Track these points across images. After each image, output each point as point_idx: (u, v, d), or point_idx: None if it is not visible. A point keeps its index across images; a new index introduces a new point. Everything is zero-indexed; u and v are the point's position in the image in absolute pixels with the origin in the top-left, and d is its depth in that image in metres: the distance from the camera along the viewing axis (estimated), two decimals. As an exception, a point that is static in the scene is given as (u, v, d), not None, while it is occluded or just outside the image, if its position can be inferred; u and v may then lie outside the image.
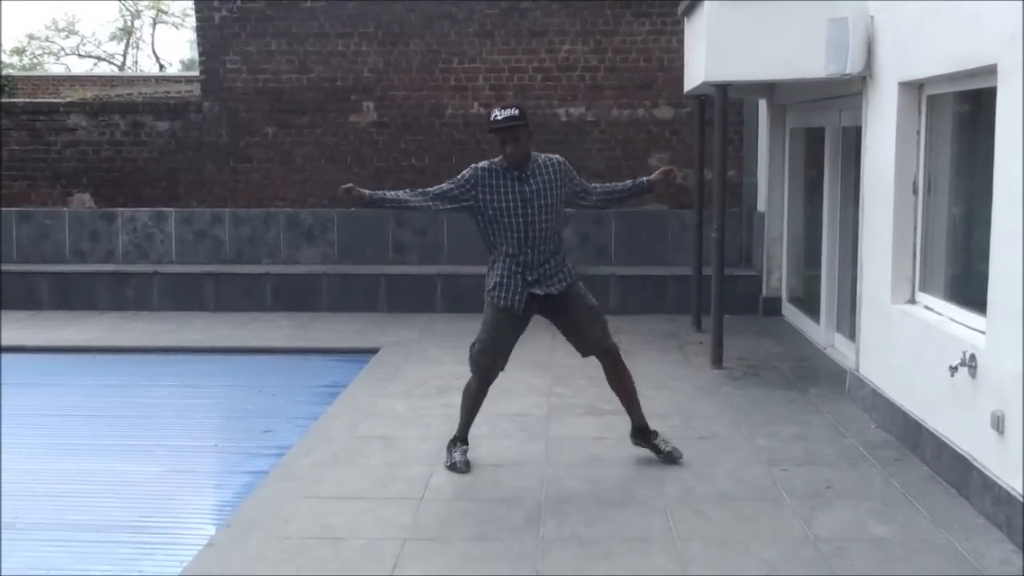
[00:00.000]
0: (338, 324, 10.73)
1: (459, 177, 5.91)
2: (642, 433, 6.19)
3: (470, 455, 6.08)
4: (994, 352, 5.13)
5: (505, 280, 5.83)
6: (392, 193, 6.09)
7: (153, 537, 5.55)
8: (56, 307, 11.58)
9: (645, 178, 6.23)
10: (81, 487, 6.32)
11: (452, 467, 5.96)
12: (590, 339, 6.02)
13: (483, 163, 5.91)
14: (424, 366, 8.70)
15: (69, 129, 12.84)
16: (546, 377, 8.08)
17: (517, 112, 5.79)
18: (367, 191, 5.97)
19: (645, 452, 6.19)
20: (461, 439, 6.14)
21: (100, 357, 9.71)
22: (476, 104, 12.33)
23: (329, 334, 10.29)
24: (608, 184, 6.27)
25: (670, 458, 6.04)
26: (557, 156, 6.01)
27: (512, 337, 5.98)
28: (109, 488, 6.30)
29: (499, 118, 5.78)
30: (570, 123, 12.28)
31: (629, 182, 6.25)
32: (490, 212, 5.81)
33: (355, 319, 10.95)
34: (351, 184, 5.97)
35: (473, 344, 6.00)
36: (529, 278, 5.82)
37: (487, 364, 5.98)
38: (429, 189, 5.98)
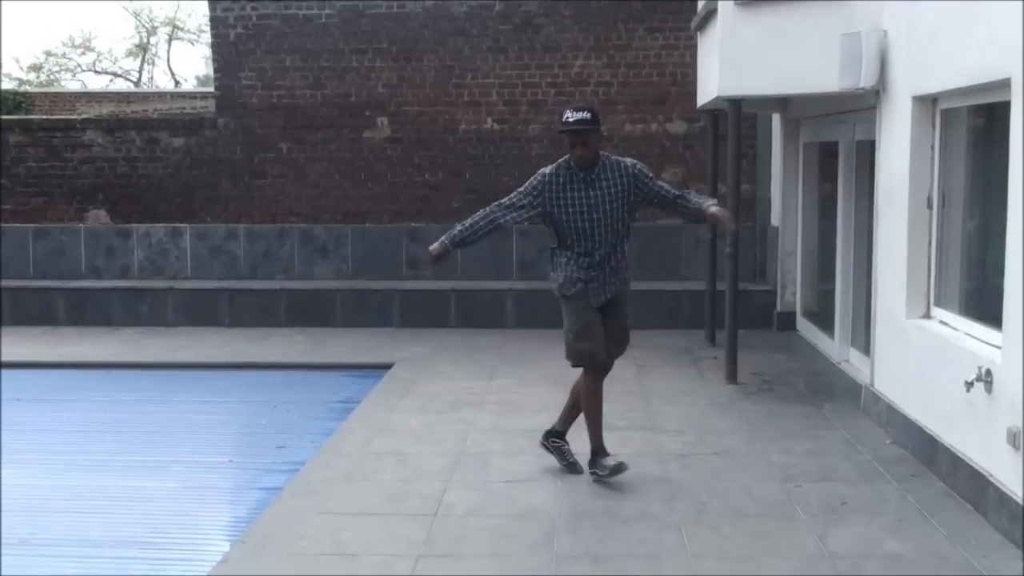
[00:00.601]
0: (352, 339, 10.74)
1: (527, 186, 5.93)
2: (554, 434, 6.28)
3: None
4: (1010, 367, 5.10)
5: (574, 276, 5.89)
6: (466, 224, 5.97)
7: (168, 553, 5.56)
8: (72, 323, 11.62)
9: (709, 205, 6.01)
10: (96, 503, 6.34)
11: (571, 468, 6.06)
12: (619, 350, 6.17)
13: (548, 168, 5.96)
14: (438, 382, 8.70)
15: (85, 145, 12.92)
16: (559, 393, 8.03)
17: (589, 115, 5.84)
18: (445, 240, 5.92)
19: (659, 469, 6.18)
20: (596, 452, 6.02)
21: (115, 373, 9.74)
22: (490, 119, 12.37)
23: (343, 349, 10.30)
24: (683, 193, 6.19)
25: (572, 468, 6.12)
26: (630, 160, 6.04)
27: (598, 320, 5.93)
28: (124, 504, 6.31)
29: (571, 120, 5.81)
30: (583, 138, 12.26)
31: (696, 200, 6.09)
32: (557, 213, 5.85)
33: (369, 334, 10.96)
34: (433, 250, 5.92)
35: (567, 335, 5.98)
36: (593, 272, 5.88)
37: (589, 348, 5.92)
38: (501, 202, 5.95)
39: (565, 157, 5.96)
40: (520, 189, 5.96)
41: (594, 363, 5.96)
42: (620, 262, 6.00)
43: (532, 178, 5.96)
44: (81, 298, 11.84)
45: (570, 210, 5.84)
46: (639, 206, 6.05)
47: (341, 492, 5.89)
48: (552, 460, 6.31)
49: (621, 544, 5.07)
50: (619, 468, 5.91)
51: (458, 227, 6.00)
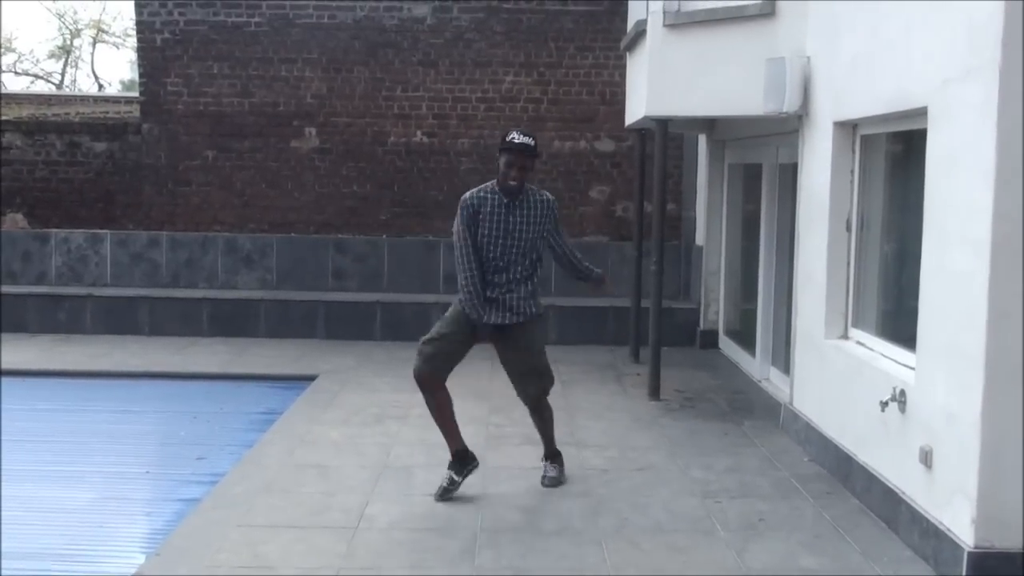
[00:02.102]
0: (275, 350, 10.63)
1: (461, 220, 5.87)
2: (550, 456, 6.38)
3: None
4: (923, 388, 5.23)
5: (478, 306, 5.91)
6: (474, 287, 5.89)
7: (81, 566, 5.44)
8: (-15, 329, 11.34)
9: (598, 272, 6.44)
10: (8, 514, 6.16)
11: (441, 494, 5.95)
12: (522, 392, 6.19)
13: (468, 193, 5.95)
14: (361, 394, 8.65)
15: (3, 148, 12.64)
16: (483, 407, 8.08)
17: (533, 142, 5.89)
18: (475, 305, 5.89)
19: (581, 483, 6.23)
20: (463, 453, 6.07)
21: (30, 381, 9.52)
22: (419, 132, 12.37)
23: (266, 360, 10.19)
24: (574, 253, 6.30)
25: (542, 480, 6.23)
26: (549, 195, 6.10)
27: (459, 339, 5.97)
28: (37, 515, 6.16)
29: (516, 140, 5.83)
30: (512, 153, 12.31)
31: (587, 265, 6.36)
32: (479, 233, 5.86)
33: (293, 345, 10.87)
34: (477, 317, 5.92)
35: (427, 335, 6.04)
36: (491, 294, 5.88)
37: (429, 352, 5.94)
38: (463, 253, 5.88)
39: (488, 183, 5.97)
40: (457, 228, 5.91)
41: (429, 366, 5.93)
42: (525, 294, 5.95)
43: (459, 210, 5.92)
44: (-4, 304, 11.55)
45: (486, 232, 5.85)
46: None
47: (261, 504, 5.83)
48: (483, 475, 6.32)
49: (542, 559, 5.09)
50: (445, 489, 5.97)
51: (469, 288, 5.88)
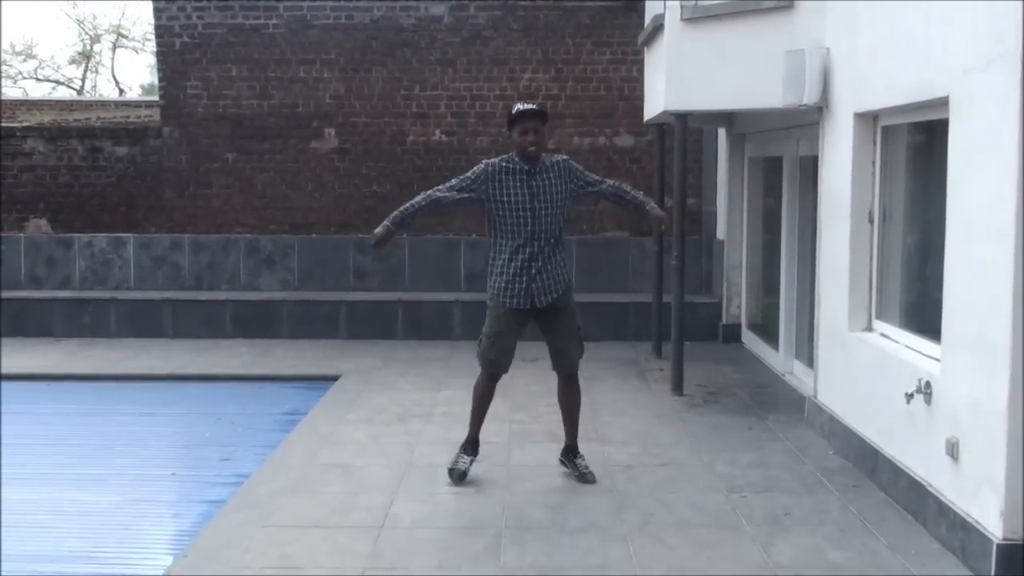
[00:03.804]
0: (298, 351, 10.67)
1: (471, 173, 6.11)
2: (569, 452, 6.40)
3: (477, 467, 6.30)
4: (948, 379, 5.20)
5: (511, 280, 6.03)
6: (408, 204, 6.17)
7: (109, 568, 5.47)
8: (11, 334, 11.41)
9: (651, 207, 6.38)
10: (35, 517, 6.22)
11: (449, 472, 6.20)
12: (566, 359, 6.28)
13: (493, 159, 6.12)
14: (385, 393, 8.67)
15: (26, 154, 12.71)
16: (506, 404, 8.07)
17: (538, 107, 6.09)
18: (387, 223, 6.10)
19: (606, 480, 6.23)
20: (471, 442, 6.30)
21: (56, 385, 9.59)
22: (438, 131, 12.37)
23: (289, 361, 10.23)
24: (621, 185, 6.41)
25: (584, 479, 6.23)
26: (562, 156, 6.23)
27: (515, 333, 6.17)
28: (64, 518, 6.21)
29: (524, 107, 6.01)
30: (531, 151, 12.30)
31: (640, 197, 6.40)
32: (500, 205, 6.00)
33: (315, 346, 10.90)
34: (377, 233, 6.11)
35: (480, 339, 6.21)
36: (533, 271, 6.00)
37: (493, 358, 6.17)
38: (442, 186, 6.15)
39: (508, 154, 6.12)
40: (463, 176, 6.12)
41: (493, 372, 6.20)
42: (558, 264, 6.10)
43: (476, 166, 6.12)
44: (20, 308, 11.65)
45: (511, 200, 5.98)
46: (576, 201, 6.25)
47: (286, 505, 5.85)
48: (507, 472, 6.33)
49: (567, 556, 5.08)
50: (458, 478, 6.17)
51: (399, 208, 6.17)
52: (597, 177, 6.36)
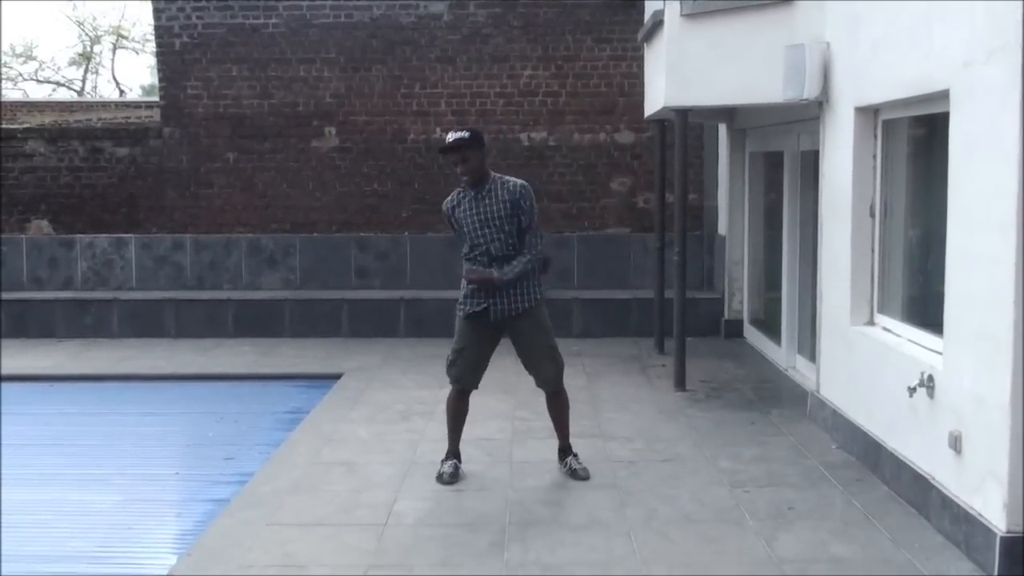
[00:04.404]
0: (300, 350, 10.68)
1: (447, 222, 6.34)
2: (562, 452, 6.42)
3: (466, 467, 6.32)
4: (951, 373, 5.20)
5: (471, 294, 6.14)
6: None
7: (113, 567, 5.48)
8: (14, 335, 11.43)
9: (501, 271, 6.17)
10: (39, 517, 6.23)
11: (438, 478, 6.19)
12: (542, 378, 6.33)
13: (449, 197, 6.29)
14: (387, 391, 8.67)
15: (27, 155, 12.72)
16: (509, 401, 8.08)
17: (467, 134, 6.10)
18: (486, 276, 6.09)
19: (609, 476, 6.23)
20: (451, 454, 6.34)
21: (59, 385, 9.60)
22: (438, 129, 12.35)
23: (291, 360, 10.23)
24: (528, 241, 6.14)
25: (575, 475, 6.25)
26: (520, 181, 6.20)
27: (479, 348, 6.22)
28: (68, 518, 6.22)
29: (448, 140, 6.13)
30: (532, 148, 12.34)
31: (515, 261, 6.11)
32: (461, 229, 6.16)
33: (318, 344, 10.91)
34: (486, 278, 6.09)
35: (450, 352, 6.29)
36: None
37: (456, 375, 6.26)
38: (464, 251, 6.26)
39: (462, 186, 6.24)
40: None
41: (461, 386, 6.29)
42: (520, 282, 6.09)
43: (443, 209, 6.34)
44: (23, 310, 11.66)
45: (466, 223, 6.12)
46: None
47: (290, 503, 5.85)
48: (511, 470, 6.34)
49: (571, 552, 5.09)
50: (450, 478, 6.19)
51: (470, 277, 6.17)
52: (530, 228, 6.07)
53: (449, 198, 6.27)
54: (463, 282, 6.19)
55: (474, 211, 6.09)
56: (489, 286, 6.05)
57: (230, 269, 12.24)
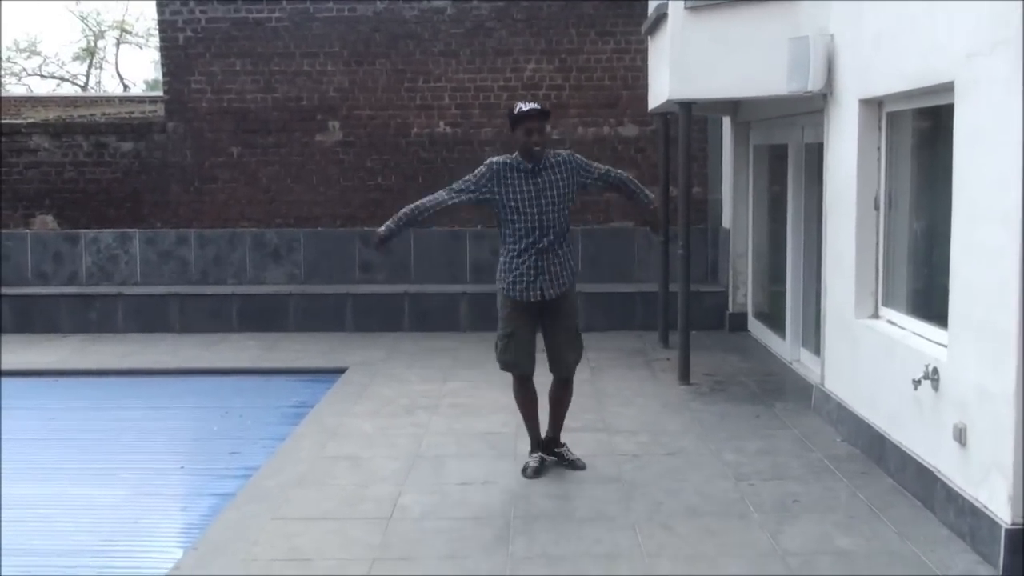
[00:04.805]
0: (305, 344, 10.69)
1: (477, 173, 6.13)
2: (552, 444, 6.40)
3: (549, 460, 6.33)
4: (956, 365, 5.19)
5: (520, 276, 6.03)
6: (414, 206, 6.15)
7: (118, 561, 5.50)
8: (19, 330, 11.45)
9: (651, 202, 6.54)
10: (45, 511, 6.25)
11: (523, 471, 6.20)
12: (562, 364, 6.26)
13: (498, 158, 6.15)
14: (391, 385, 8.68)
15: (31, 150, 12.73)
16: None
17: (539, 106, 6.07)
18: (391, 224, 6.10)
19: (613, 469, 6.23)
20: (534, 444, 6.33)
21: (63, 380, 9.61)
22: (442, 123, 12.36)
23: (296, 354, 10.25)
24: (625, 175, 6.38)
25: (573, 465, 6.28)
26: (567, 150, 6.25)
27: (529, 330, 6.16)
28: (73, 512, 6.24)
29: (525, 108, 6.01)
30: (536, 141, 12.30)
31: (643, 190, 6.42)
32: (506, 204, 6.02)
33: (322, 339, 10.92)
34: (379, 233, 6.10)
35: (497, 340, 6.22)
36: (542, 265, 6.01)
37: (512, 360, 6.17)
38: (451, 187, 6.16)
39: (511, 154, 6.13)
40: (469, 176, 6.14)
41: (519, 372, 6.20)
42: (565, 258, 6.09)
43: (482, 166, 6.14)
44: (28, 305, 11.68)
45: (517, 199, 6.00)
46: (581, 191, 6.25)
47: (295, 497, 5.86)
48: (515, 463, 6.36)
49: (576, 545, 5.09)
50: (534, 472, 6.16)
51: (404, 209, 6.16)
52: (603, 167, 6.34)
53: (502, 159, 6.10)
54: (507, 265, 6.06)
55: (529, 185, 5.99)
56: (651, 211, 6.32)
57: (234, 264, 12.24)
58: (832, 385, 7.25)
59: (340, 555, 5.02)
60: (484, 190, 6.05)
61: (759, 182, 10.49)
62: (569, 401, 6.42)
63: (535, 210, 5.98)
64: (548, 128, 6.14)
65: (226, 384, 9.43)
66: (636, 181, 6.42)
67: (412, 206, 6.13)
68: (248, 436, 7.79)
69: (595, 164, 6.29)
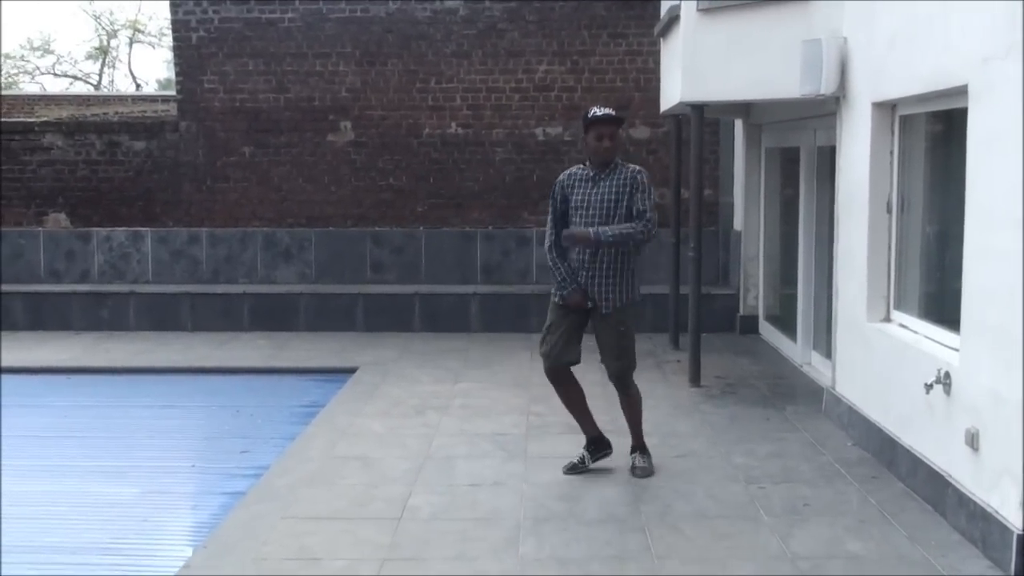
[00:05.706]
0: (316, 344, 10.70)
1: (552, 194, 6.20)
2: (632, 449, 6.41)
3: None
4: (968, 369, 5.17)
5: (566, 278, 6.06)
6: (553, 259, 6.17)
7: (128, 559, 5.51)
8: (31, 328, 11.49)
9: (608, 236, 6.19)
10: (55, 509, 6.27)
11: (569, 468, 6.25)
12: (609, 369, 6.25)
13: (569, 168, 6.26)
14: (402, 386, 8.68)
15: (44, 148, 12.78)
16: (524, 396, 8.08)
17: (614, 112, 6.12)
18: (565, 281, 6.10)
19: (622, 471, 6.24)
20: (589, 441, 6.37)
21: (75, 378, 9.64)
22: (454, 124, 12.37)
23: (307, 354, 10.26)
24: (646, 233, 5.99)
25: (632, 472, 6.26)
26: (638, 167, 6.19)
27: (566, 325, 6.12)
28: (84, 510, 6.25)
29: (599, 113, 6.06)
30: (547, 143, 12.33)
31: (624, 235, 6.03)
32: (572, 207, 6.08)
33: (333, 338, 10.93)
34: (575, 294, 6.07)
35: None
36: (590, 272, 6.01)
37: (546, 350, 6.20)
38: (550, 231, 6.18)
39: (582, 163, 6.20)
40: (551, 202, 6.22)
41: (551, 363, 6.20)
42: (617, 274, 6.02)
43: (553, 186, 6.23)
44: (40, 302, 11.71)
45: (577, 204, 6.06)
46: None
47: (305, 496, 5.87)
48: (525, 464, 6.37)
49: (585, 547, 5.09)
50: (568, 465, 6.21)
51: (549, 258, 6.18)
52: (644, 206, 5.96)
53: (567, 173, 6.20)
54: (556, 269, 6.09)
55: (588, 191, 6.02)
56: (587, 244, 5.94)
57: (246, 263, 12.27)
58: (843, 388, 7.23)
59: (350, 555, 5.02)
60: (560, 207, 6.12)
61: (771, 185, 10.47)
62: (633, 408, 6.34)
63: (586, 216, 6.01)
64: (620, 134, 6.14)
65: (237, 383, 9.45)
66: (644, 238, 6.04)
67: (549, 253, 6.15)
68: (259, 435, 7.81)
69: (646, 198, 6.00)
